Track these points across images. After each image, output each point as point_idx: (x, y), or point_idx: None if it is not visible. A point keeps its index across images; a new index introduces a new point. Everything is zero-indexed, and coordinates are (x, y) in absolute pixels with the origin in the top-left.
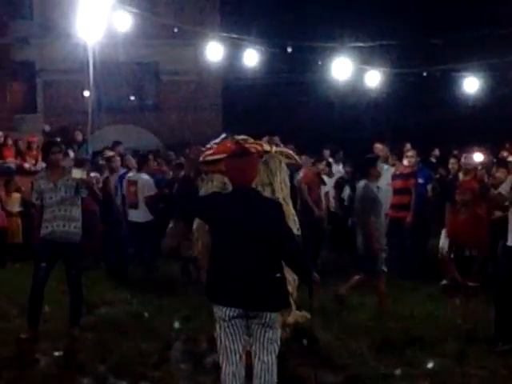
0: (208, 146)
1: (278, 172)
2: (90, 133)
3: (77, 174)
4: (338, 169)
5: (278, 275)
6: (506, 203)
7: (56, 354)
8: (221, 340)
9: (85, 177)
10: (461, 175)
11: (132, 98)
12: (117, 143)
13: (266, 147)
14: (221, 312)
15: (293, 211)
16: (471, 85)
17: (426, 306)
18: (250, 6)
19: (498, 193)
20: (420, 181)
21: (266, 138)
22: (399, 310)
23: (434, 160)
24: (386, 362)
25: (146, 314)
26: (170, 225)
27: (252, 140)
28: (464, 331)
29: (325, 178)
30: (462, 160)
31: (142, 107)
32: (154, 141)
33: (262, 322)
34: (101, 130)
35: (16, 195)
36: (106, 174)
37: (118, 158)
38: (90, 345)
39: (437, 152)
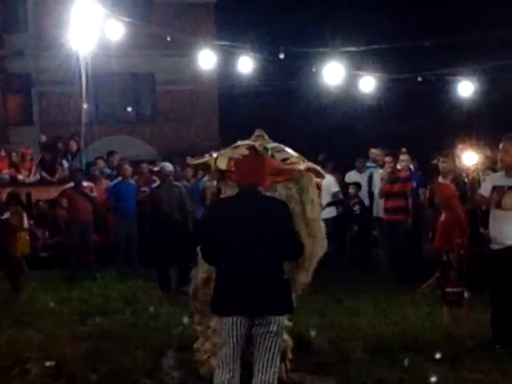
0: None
1: (310, 190)
2: (83, 143)
3: None
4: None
5: (285, 277)
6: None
7: (47, 363)
8: (222, 347)
9: None
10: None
11: (129, 109)
12: (111, 153)
13: (301, 166)
14: (226, 320)
15: (323, 230)
16: (466, 89)
17: (420, 310)
18: (244, 13)
19: (480, 195)
20: (413, 185)
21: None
22: (394, 315)
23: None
24: (380, 366)
25: (140, 323)
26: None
27: (291, 154)
28: (458, 335)
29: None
30: (440, 163)
31: (138, 118)
32: (150, 151)
33: (268, 329)
34: (96, 140)
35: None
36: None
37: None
38: (81, 354)
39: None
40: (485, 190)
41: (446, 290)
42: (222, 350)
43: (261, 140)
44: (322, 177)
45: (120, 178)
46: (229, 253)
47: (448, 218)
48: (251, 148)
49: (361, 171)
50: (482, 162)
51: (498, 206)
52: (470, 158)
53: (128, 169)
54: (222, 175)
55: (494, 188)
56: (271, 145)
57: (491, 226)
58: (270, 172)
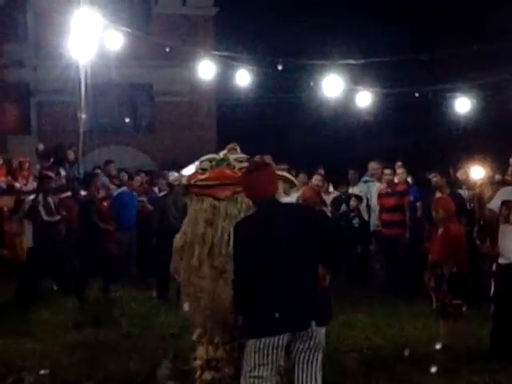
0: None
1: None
2: (81, 153)
3: None
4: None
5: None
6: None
7: (42, 372)
8: (258, 371)
9: None
10: (437, 193)
11: (127, 120)
12: (108, 162)
13: None
14: (267, 342)
15: None
16: (463, 105)
17: (417, 323)
18: (243, 25)
19: (489, 209)
20: (410, 199)
21: (257, 158)
22: (391, 328)
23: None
24: (376, 379)
25: (134, 332)
26: None
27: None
28: (455, 349)
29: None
30: (432, 178)
31: (136, 128)
32: (148, 161)
33: (310, 343)
34: (94, 150)
35: None
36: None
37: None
38: (76, 363)
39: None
40: (494, 204)
41: (445, 302)
42: (257, 372)
43: (231, 153)
44: (294, 185)
45: (123, 188)
46: (268, 275)
47: (447, 231)
48: (250, 160)
49: (354, 184)
50: (488, 177)
51: (507, 220)
52: (477, 172)
53: (137, 180)
54: (186, 190)
55: (504, 203)
56: (234, 156)
57: (499, 241)
58: (230, 182)
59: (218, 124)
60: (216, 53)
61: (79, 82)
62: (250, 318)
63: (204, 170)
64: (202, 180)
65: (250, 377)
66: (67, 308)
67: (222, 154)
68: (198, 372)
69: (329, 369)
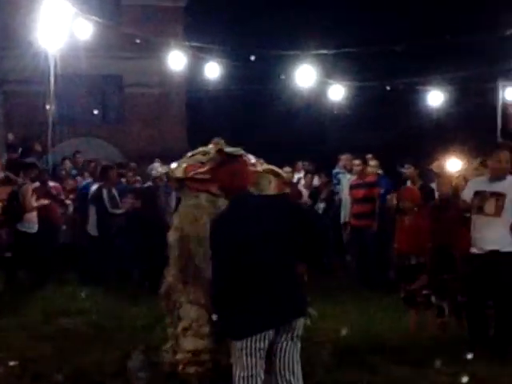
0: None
1: (268, 192)
2: (50, 145)
3: None
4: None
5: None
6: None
7: (11, 363)
8: (248, 370)
9: None
10: (409, 183)
11: (96, 111)
12: (76, 153)
13: (258, 167)
14: (253, 340)
15: None
16: (435, 98)
17: (387, 314)
18: (214, 16)
19: (462, 200)
20: (380, 190)
21: (215, 141)
22: (361, 319)
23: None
24: (347, 370)
25: (106, 324)
26: None
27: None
28: (425, 339)
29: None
30: (407, 170)
31: (105, 120)
32: (117, 153)
33: (292, 334)
34: (63, 142)
35: None
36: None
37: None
38: (46, 354)
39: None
40: (467, 195)
41: (414, 292)
42: (248, 371)
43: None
44: (282, 178)
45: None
46: (249, 267)
47: (414, 222)
48: (220, 152)
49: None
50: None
51: (480, 211)
52: (454, 164)
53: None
54: (179, 184)
55: (477, 193)
56: (230, 149)
57: (472, 231)
58: None
59: (189, 116)
60: (186, 43)
61: (48, 72)
62: (232, 318)
63: (202, 163)
64: (201, 173)
65: (242, 377)
66: (37, 299)
67: (209, 148)
68: (181, 366)
69: (301, 359)
